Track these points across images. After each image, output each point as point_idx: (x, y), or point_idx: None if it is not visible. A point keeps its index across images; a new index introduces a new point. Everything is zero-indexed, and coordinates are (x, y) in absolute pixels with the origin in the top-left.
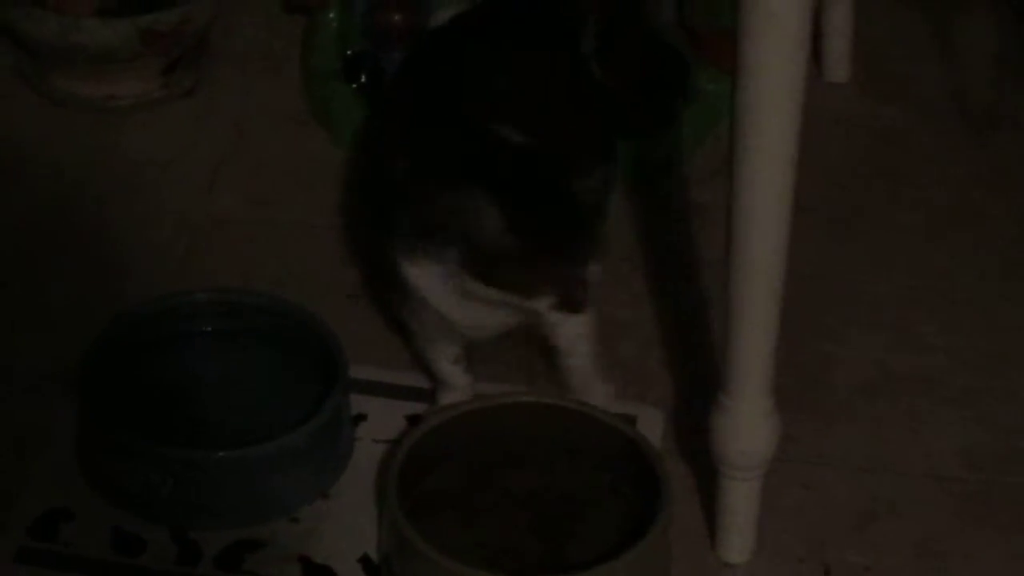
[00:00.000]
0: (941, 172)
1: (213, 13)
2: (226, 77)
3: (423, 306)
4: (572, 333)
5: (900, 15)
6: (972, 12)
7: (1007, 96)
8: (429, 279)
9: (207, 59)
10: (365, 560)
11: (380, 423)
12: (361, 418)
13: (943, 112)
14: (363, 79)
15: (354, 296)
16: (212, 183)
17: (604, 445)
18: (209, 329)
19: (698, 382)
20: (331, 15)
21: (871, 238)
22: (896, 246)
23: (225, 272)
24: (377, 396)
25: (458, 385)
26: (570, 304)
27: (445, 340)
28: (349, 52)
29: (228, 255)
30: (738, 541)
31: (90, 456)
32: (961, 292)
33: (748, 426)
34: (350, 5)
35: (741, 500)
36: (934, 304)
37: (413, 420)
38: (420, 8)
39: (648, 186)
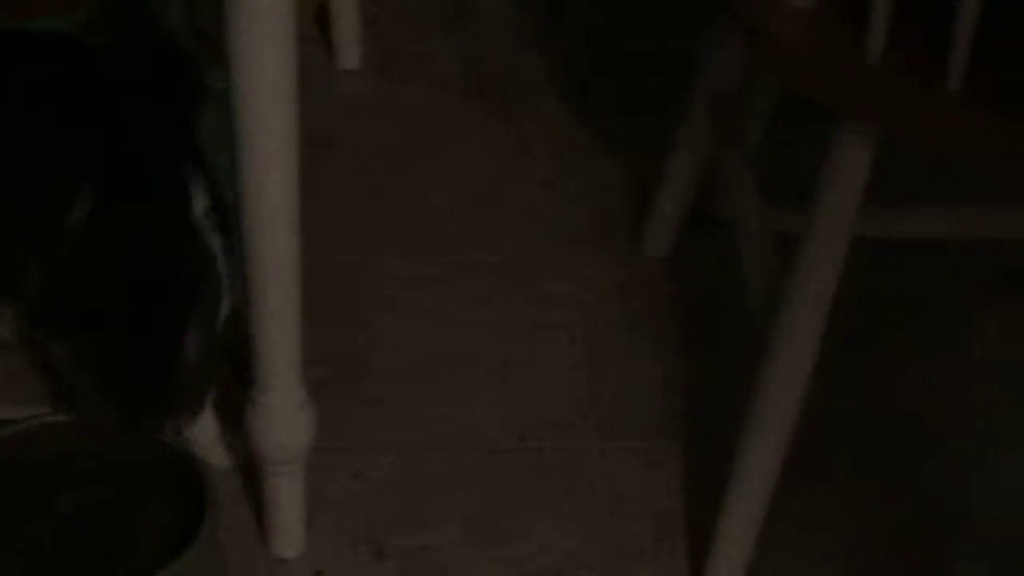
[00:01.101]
0: (463, 147)
1: None
2: None
3: None
4: None
5: None
6: None
7: (522, 69)
8: None
9: None
10: None
11: None
12: None
13: (461, 88)
14: None
15: None
16: None
17: (144, 456)
18: None
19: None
20: None
21: (400, 219)
22: (423, 224)
23: None
24: None
25: None
26: None
27: None
28: None
29: None
30: (288, 535)
31: None
32: (489, 265)
33: (282, 420)
34: None
35: (285, 494)
36: (464, 280)
37: None
38: None
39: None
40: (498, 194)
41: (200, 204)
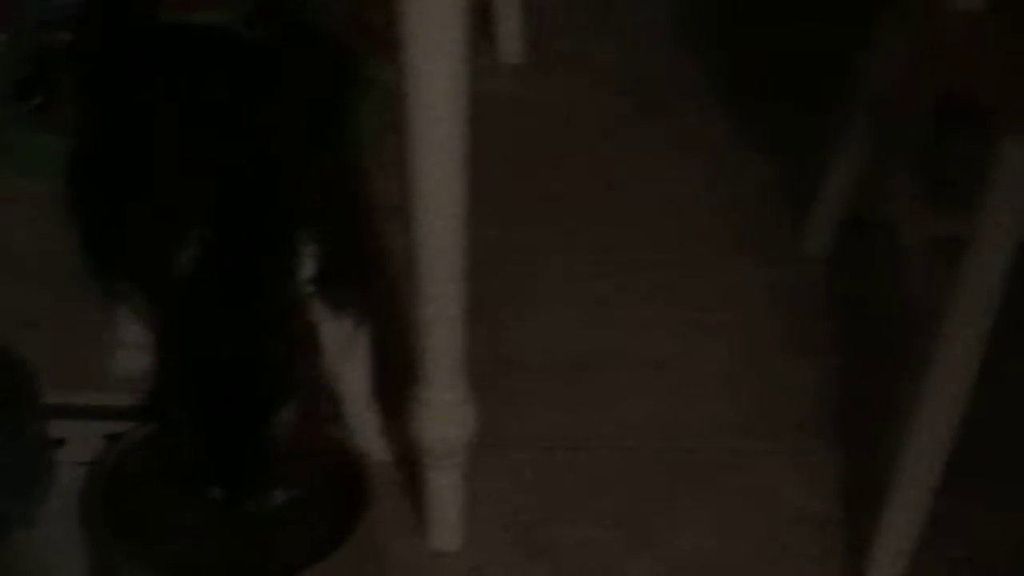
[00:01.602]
0: (621, 145)
1: None
2: None
3: None
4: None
5: None
6: None
7: (681, 68)
8: None
9: None
10: None
11: (79, 445)
12: (60, 442)
13: (619, 87)
14: (36, 101)
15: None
16: None
17: (304, 447)
18: None
19: (399, 375)
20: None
21: (557, 216)
22: (581, 223)
23: None
24: (74, 419)
25: None
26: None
27: None
28: (20, 76)
29: None
30: (447, 529)
31: None
32: (647, 264)
33: (444, 415)
34: (19, 28)
35: (445, 488)
36: (622, 277)
37: (112, 439)
38: None
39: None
40: (655, 192)
41: (307, 270)
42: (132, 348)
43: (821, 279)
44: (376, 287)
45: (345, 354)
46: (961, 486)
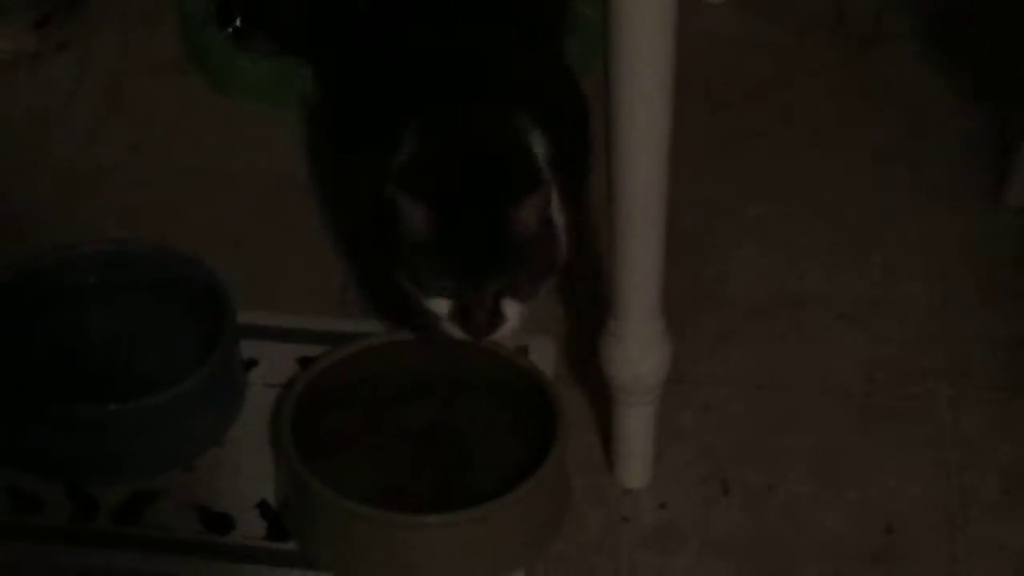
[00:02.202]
0: (823, 88)
1: None
2: (101, 28)
3: None
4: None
5: None
6: None
7: (886, 10)
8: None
9: (81, 10)
10: (263, 505)
11: (272, 367)
12: (252, 363)
13: (823, 28)
14: (237, 23)
15: (235, 241)
16: (93, 134)
17: (498, 377)
18: (96, 281)
19: (589, 308)
20: None
21: (755, 157)
22: (781, 163)
23: (111, 223)
24: (267, 340)
25: None
26: (466, 320)
27: None
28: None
29: (113, 205)
30: (636, 466)
31: None
32: (846, 207)
33: (639, 350)
34: None
35: (637, 424)
36: (821, 221)
37: (305, 362)
38: None
39: None
40: (855, 138)
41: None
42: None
43: (1020, 231)
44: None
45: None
46: None
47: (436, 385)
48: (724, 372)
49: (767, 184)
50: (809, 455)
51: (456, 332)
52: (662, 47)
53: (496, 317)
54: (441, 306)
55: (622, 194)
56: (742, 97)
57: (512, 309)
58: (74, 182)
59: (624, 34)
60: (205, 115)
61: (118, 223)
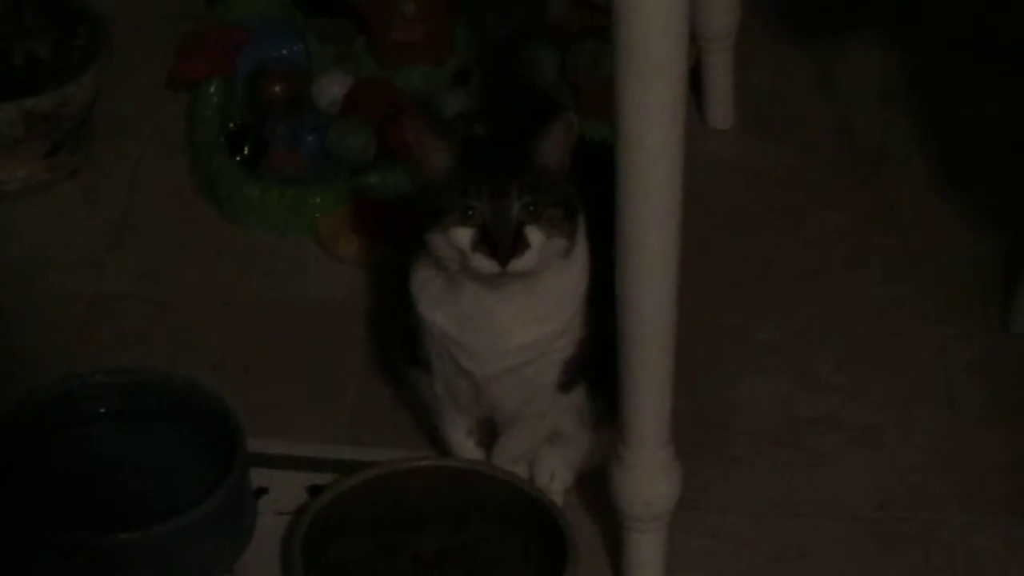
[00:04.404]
0: (830, 212)
1: (95, 93)
2: (112, 155)
3: (434, 343)
4: (569, 401)
5: (782, 57)
6: (855, 50)
7: (893, 133)
8: (432, 288)
9: (91, 138)
10: None
11: (282, 495)
12: (262, 491)
13: (830, 152)
14: (246, 151)
15: (248, 369)
16: (103, 262)
17: (507, 505)
18: (106, 410)
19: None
20: (212, 89)
21: (764, 281)
22: (789, 288)
23: (120, 350)
24: (277, 468)
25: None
26: (490, 244)
27: (459, 411)
28: (231, 125)
29: (122, 333)
30: None
31: None
32: (854, 331)
33: (648, 478)
34: (231, 78)
35: (647, 552)
36: (830, 345)
37: (315, 491)
38: (300, 79)
39: None
40: (863, 262)
41: None
42: None
43: None
44: None
45: None
46: None
47: (446, 513)
48: (733, 498)
49: (775, 308)
50: None
51: (481, 264)
52: (671, 173)
53: (519, 242)
54: (464, 238)
55: (631, 323)
56: (748, 222)
57: (535, 236)
58: (83, 310)
59: (634, 160)
60: (214, 243)
61: (127, 351)
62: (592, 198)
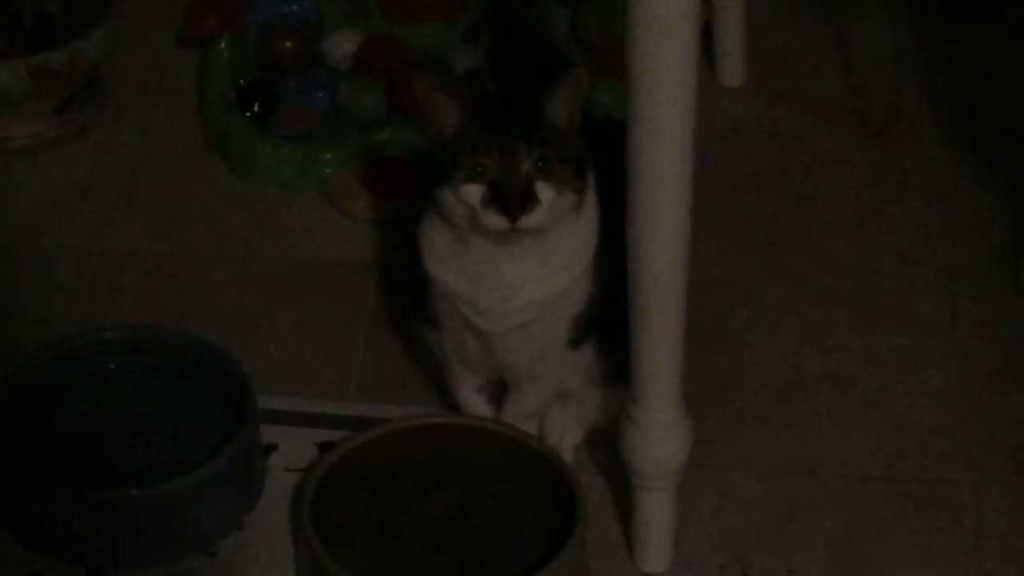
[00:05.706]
0: (840, 172)
1: (105, 50)
2: (122, 112)
3: (443, 300)
4: (578, 358)
5: (794, 18)
6: (867, 13)
7: (903, 94)
8: (440, 244)
9: (101, 95)
10: None
11: (291, 452)
12: (272, 448)
13: (840, 113)
14: (257, 108)
15: (254, 326)
16: (113, 219)
17: (518, 462)
18: (116, 367)
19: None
20: (223, 46)
21: (774, 240)
22: (798, 247)
23: (130, 308)
24: (287, 425)
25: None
26: (500, 200)
27: (469, 368)
28: (242, 81)
29: (132, 290)
30: (655, 551)
31: (4, 502)
32: (864, 291)
33: (658, 436)
34: (241, 35)
35: (656, 509)
36: (839, 304)
37: (325, 447)
38: (310, 35)
39: None
40: (874, 221)
41: None
42: None
43: None
44: None
45: None
46: None
47: (456, 470)
48: (742, 457)
49: (784, 267)
50: (829, 540)
51: (491, 220)
52: (682, 130)
53: (529, 198)
54: (474, 194)
55: (641, 281)
56: (758, 181)
57: (545, 193)
58: (93, 267)
59: (645, 119)
60: (225, 199)
61: (137, 308)
62: (602, 155)
